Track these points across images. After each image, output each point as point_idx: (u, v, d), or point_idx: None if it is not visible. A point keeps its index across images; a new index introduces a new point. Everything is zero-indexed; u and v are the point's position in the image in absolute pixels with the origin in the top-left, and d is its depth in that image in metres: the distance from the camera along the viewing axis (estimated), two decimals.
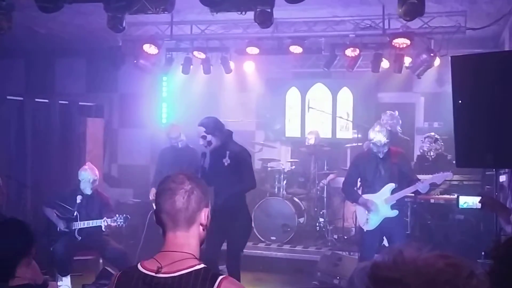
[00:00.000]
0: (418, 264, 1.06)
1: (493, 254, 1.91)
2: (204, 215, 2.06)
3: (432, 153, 7.85)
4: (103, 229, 6.38)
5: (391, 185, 5.99)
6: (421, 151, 8.06)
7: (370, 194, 6.09)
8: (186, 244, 2.01)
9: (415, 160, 8.14)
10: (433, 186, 6.56)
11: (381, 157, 6.01)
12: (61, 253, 6.27)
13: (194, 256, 2.01)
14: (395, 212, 5.97)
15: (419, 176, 6.34)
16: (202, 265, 1.98)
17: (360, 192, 6.28)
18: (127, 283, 2.00)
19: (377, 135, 5.92)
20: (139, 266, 2.01)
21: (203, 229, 2.08)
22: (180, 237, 2.02)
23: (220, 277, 1.94)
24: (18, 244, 2.96)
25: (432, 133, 8.10)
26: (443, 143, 7.80)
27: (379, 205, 6.00)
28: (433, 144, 7.87)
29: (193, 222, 2.03)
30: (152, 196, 7.35)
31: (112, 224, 6.34)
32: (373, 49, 7.71)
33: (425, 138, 8.09)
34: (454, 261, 1.07)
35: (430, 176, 6.20)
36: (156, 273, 1.95)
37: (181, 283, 1.92)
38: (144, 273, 1.98)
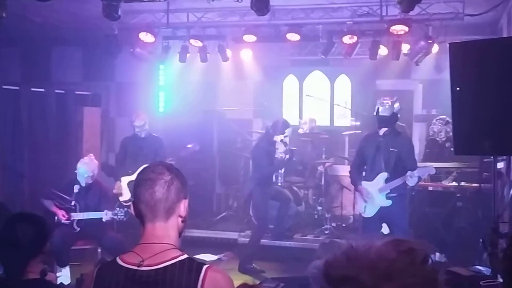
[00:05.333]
0: (371, 258, 1.03)
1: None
2: (183, 207, 2.02)
3: (442, 135, 7.80)
4: (103, 220, 6.33)
5: (384, 174, 5.96)
6: (431, 132, 8.03)
7: (367, 182, 6.09)
8: (166, 236, 1.97)
9: (417, 146, 8.11)
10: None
11: (386, 134, 5.97)
12: (58, 245, 6.18)
13: (176, 246, 1.97)
14: (388, 202, 5.95)
15: (427, 164, 6.31)
16: (185, 255, 1.95)
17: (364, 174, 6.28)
18: (107, 279, 1.94)
19: (381, 106, 5.91)
20: (118, 260, 1.95)
21: (182, 221, 2.03)
22: (159, 229, 1.97)
23: (205, 266, 1.92)
24: (34, 241, 2.83)
25: (444, 116, 7.99)
26: None
27: (374, 195, 5.99)
28: (444, 126, 7.80)
29: (172, 213, 1.99)
30: (116, 190, 7.27)
31: (114, 217, 6.29)
32: (371, 36, 7.66)
33: (436, 120, 8.04)
34: (406, 248, 1.04)
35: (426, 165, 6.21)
36: (138, 267, 1.90)
37: (166, 274, 1.88)
38: (125, 267, 1.92)
